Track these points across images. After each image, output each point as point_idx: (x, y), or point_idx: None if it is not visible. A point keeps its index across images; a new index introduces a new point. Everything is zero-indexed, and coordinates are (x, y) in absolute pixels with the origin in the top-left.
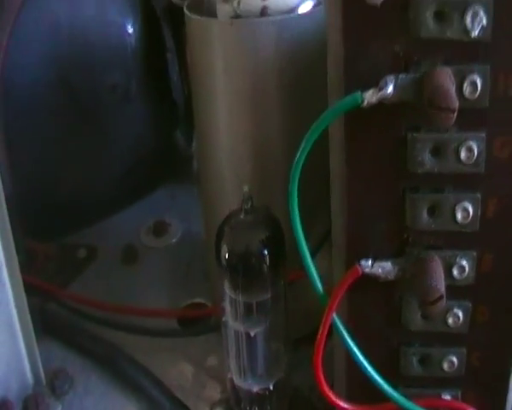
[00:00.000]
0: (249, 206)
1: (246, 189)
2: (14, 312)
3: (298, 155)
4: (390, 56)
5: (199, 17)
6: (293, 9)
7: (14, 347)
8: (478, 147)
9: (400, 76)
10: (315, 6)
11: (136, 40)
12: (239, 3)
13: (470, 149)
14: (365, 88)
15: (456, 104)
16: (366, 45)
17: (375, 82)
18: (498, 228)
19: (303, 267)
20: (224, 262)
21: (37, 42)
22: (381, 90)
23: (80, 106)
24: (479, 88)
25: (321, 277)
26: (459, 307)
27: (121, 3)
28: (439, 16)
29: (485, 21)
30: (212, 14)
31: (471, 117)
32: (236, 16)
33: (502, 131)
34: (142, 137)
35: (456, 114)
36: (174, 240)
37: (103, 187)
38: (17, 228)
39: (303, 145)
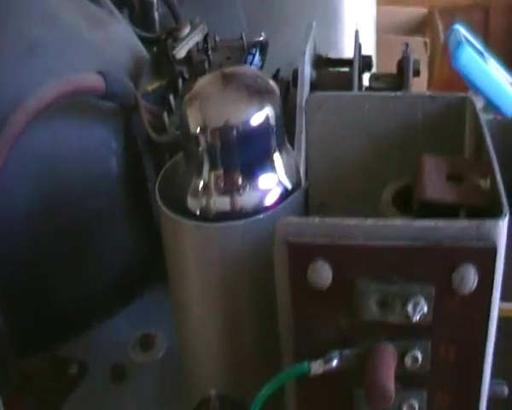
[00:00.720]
0: (216, 404)
1: (213, 393)
2: None
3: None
4: (336, 332)
5: (169, 212)
6: (261, 203)
7: None
8: (419, 404)
9: (344, 352)
10: (282, 194)
11: (119, 166)
12: (211, 202)
13: (412, 407)
14: (313, 354)
15: (392, 394)
16: (313, 321)
17: (323, 350)
18: None
19: None
20: None
21: (21, 177)
22: (326, 363)
23: (66, 233)
24: (419, 361)
25: None
26: None
27: (104, 132)
28: (382, 303)
29: (426, 309)
30: (183, 204)
31: (412, 380)
32: (206, 211)
33: (443, 387)
34: (128, 256)
35: (393, 398)
36: (160, 355)
37: (91, 298)
38: (10, 353)
39: (255, 403)
